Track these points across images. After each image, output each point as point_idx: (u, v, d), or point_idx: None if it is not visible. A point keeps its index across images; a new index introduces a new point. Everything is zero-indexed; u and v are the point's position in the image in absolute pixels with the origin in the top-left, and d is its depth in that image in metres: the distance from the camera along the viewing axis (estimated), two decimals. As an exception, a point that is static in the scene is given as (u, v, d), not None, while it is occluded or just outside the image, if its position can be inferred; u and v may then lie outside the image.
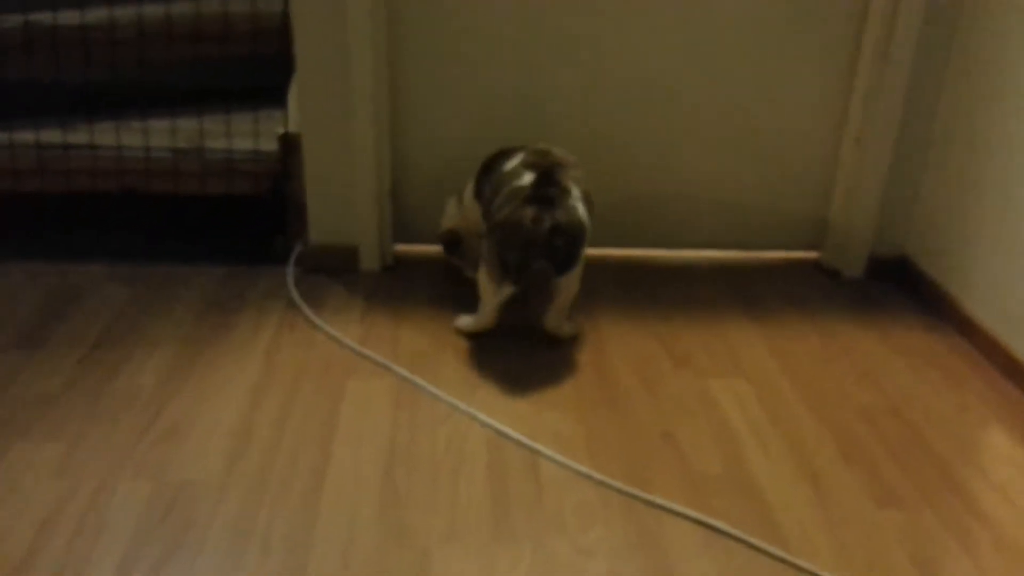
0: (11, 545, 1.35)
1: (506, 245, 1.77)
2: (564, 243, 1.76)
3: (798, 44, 2.18)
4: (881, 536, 1.46)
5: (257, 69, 2.30)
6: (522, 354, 1.90)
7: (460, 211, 2.12)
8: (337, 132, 2.12)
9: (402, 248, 2.31)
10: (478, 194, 1.99)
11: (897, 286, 2.28)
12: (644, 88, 2.21)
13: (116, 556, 1.34)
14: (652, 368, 1.89)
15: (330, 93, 2.09)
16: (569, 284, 1.86)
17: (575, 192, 1.82)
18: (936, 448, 1.68)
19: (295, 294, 2.10)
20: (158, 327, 1.95)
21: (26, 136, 2.20)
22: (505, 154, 1.95)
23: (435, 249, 2.30)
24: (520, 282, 1.77)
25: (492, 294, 1.86)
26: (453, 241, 2.16)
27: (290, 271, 2.20)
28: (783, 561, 1.39)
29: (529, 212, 1.74)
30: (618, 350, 1.94)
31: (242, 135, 2.23)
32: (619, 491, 1.53)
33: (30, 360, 1.81)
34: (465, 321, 1.97)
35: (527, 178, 1.81)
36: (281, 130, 2.17)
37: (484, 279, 1.87)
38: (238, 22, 2.28)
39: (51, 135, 2.22)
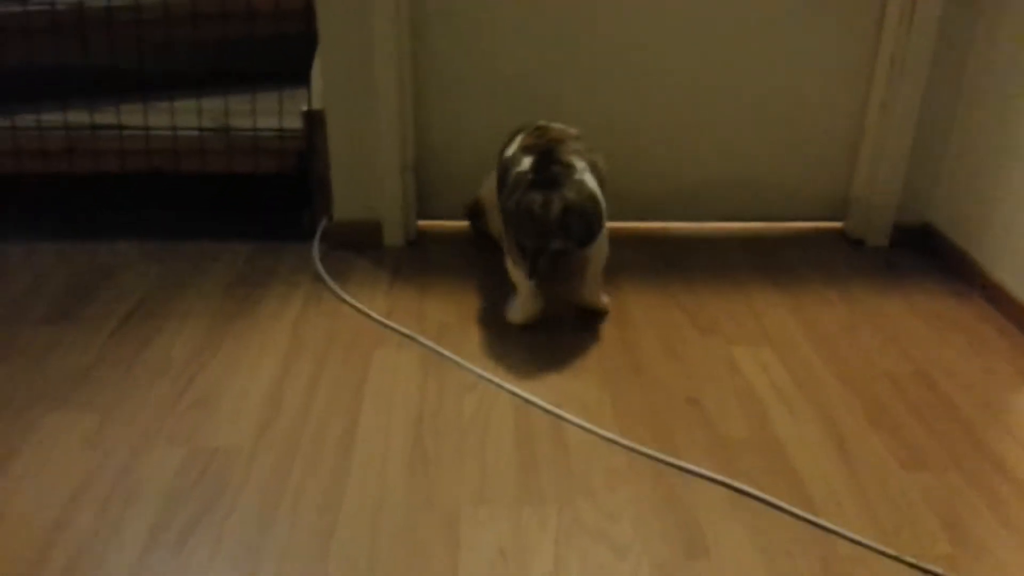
0: (45, 511, 1.38)
1: (521, 233, 1.76)
2: (577, 221, 1.73)
3: (822, 11, 2.16)
4: (909, 498, 1.45)
5: (281, 50, 2.32)
6: (547, 325, 1.91)
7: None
8: (361, 109, 2.14)
9: (425, 224, 2.33)
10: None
11: (922, 254, 2.26)
12: (666, 62, 2.20)
13: (148, 520, 1.37)
14: (677, 336, 1.89)
15: (353, 70, 2.10)
16: (597, 252, 1.83)
17: (579, 165, 1.79)
18: (962, 411, 1.67)
19: (321, 269, 2.12)
20: (188, 302, 1.98)
21: (54, 118, 2.24)
22: (512, 137, 1.95)
23: (458, 225, 2.32)
24: (538, 269, 1.75)
25: (523, 280, 1.84)
26: (476, 212, 2.17)
27: (316, 247, 2.22)
28: (811, 523, 1.39)
29: (537, 198, 1.72)
30: (643, 320, 1.95)
31: (267, 113, 2.25)
32: (645, 455, 1.54)
33: (63, 335, 1.84)
34: (513, 313, 1.92)
35: (526, 163, 1.79)
36: (305, 107, 2.19)
37: (511, 268, 1.86)
38: (262, 2, 2.30)
39: (79, 116, 2.25)
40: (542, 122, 1.96)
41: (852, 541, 1.36)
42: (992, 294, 2.03)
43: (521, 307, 1.89)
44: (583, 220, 1.75)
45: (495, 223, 2.07)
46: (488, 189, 2.10)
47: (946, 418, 1.65)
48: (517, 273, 1.84)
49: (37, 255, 2.17)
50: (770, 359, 1.82)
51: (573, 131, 1.92)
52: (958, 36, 2.12)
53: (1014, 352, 1.86)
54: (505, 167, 1.88)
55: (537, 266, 1.75)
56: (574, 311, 1.95)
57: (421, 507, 1.41)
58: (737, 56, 2.20)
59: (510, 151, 1.89)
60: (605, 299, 1.95)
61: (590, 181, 1.79)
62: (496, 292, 2.04)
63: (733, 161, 2.31)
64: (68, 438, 1.54)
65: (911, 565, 1.32)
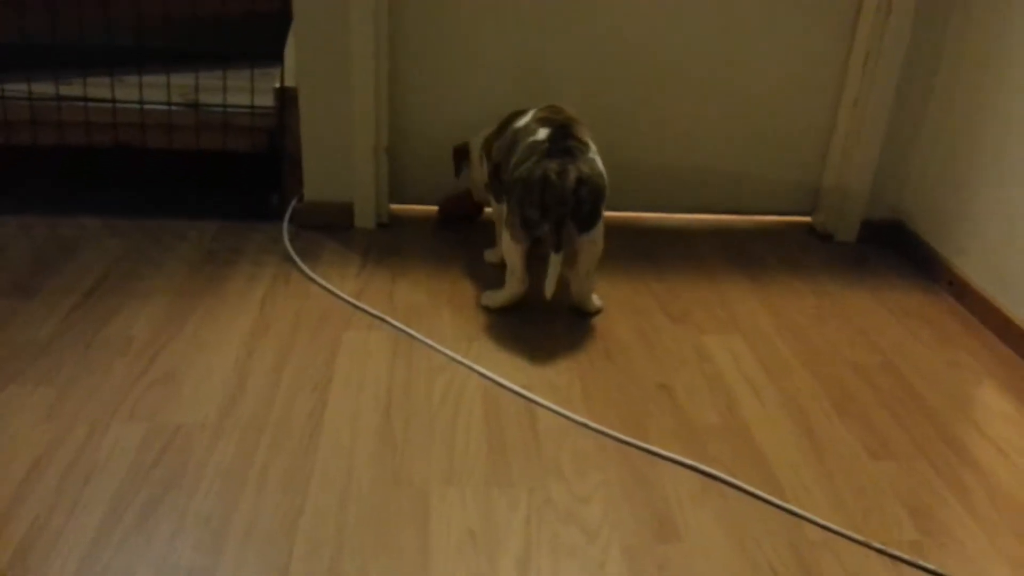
0: (1, 486, 1.34)
1: (529, 202, 1.71)
2: (588, 196, 1.71)
3: (797, 8, 2.17)
4: (876, 485, 1.46)
5: (256, 28, 2.28)
6: (518, 310, 1.89)
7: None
8: (334, 88, 2.11)
9: (398, 208, 2.30)
10: (486, 151, 1.98)
11: (891, 249, 2.29)
12: (640, 54, 2.20)
13: (107, 497, 1.33)
14: (649, 324, 1.89)
15: (328, 48, 2.07)
16: (591, 245, 1.79)
17: (592, 147, 1.79)
18: (929, 402, 1.69)
19: (290, 249, 2.09)
20: (152, 279, 1.93)
21: (18, 88, 2.18)
22: (517, 114, 1.92)
23: (431, 209, 2.30)
24: (547, 239, 1.71)
25: (518, 257, 1.80)
26: (461, 156, 2.13)
27: (285, 226, 2.18)
28: (780, 508, 1.40)
29: (553, 165, 1.70)
30: (615, 307, 1.94)
31: (238, 91, 2.21)
32: (615, 439, 1.53)
33: (22, 308, 1.79)
34: (491, 296, 1.90)
35: (542, 133, 1.77)
36: (277, 84, 2.15)
37: (507, 242, 1.80)
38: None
39: (44, 88, 2.19)
40: (554, 103, 1.92)
41: (821, 527, 1.36)
42: (958, 289, 2.05)
43: (507, 288, 1.86)
44: (593, 196, 1.72)
45: (477, 176, 2.07)
46: (482, 140, 2.04)
47: (912, 409, 1.67)
48: (514, 251, 1.80)
49: (0, 227, 2.12)
50: (740, 348, 1.82)
51: (583, 119, 1.89)
52: (931, 34, 2.14)
53: (978, 345, 1.89)
54: (514, 138, 1.84)
55: (560, 239, 1.70)
56: (570, 308, 1.91)
57: (390, 487, 1.39)
58: (710, 50, 2.21)
59: (521, 122, 1.86)
60: (597, 301, 1.92)
61: (600, 163, 1.78)
62: (467, 276, 2.02)
63: (705, 154, 2.32)
64: (25, 412, 1.50)
65: (879, 551, 1.33)
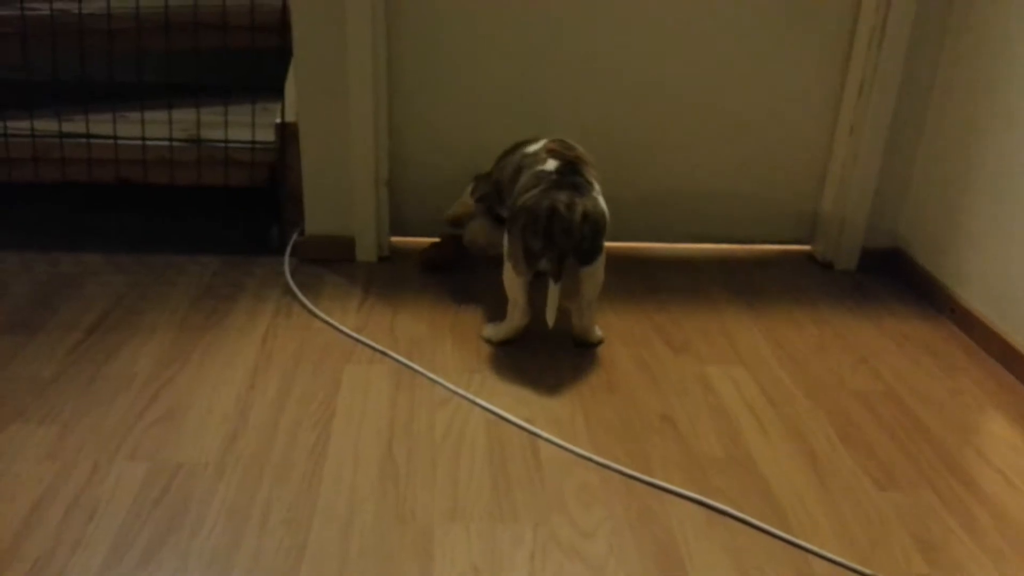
0: (2, 525, 1.33)
1: (533, 231, 1.71)
2: (590, 231, 1.72)
3: (792, 36, 2.20)
4: (882, 516, 1.46)
5: (256, 63, 2.30)
6: (520, 342, 1.89)
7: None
8: (334, 123, 2.12)
9: (398, 240, 2.31)
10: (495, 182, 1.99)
11: (891, 277, 2.30)
12: (637, 83, 2.22)
13: (110, 536, 1.32)
14: (650, 355, 1.88)
15: (327, 83, 2.09)
16: (593, 275, 1.79)
17: (597, 187, 1.80)
18: (933, 431, 1.68)
19: (292, 283, 2.09)
20: (154, 314, 1.93)
21: (21, 125, 2.20)
22: (527, 141, 1.93)
23: (432, 241, 2.31)
24: (549, 270, 1.71)
25: (520, 289, 1.80)
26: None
27: (287, 260, 2.19)
28: (786, 540, 1.39)
29: (563, 197, 1.70)
30: (616, 338, 1.94)
31: (239, 126, 2.22)
32: (619, 472, 1.52)
33: (24, 345, 1.79)
34: (493, 329, 1.90)
35: (551, 164, 1.78)
36: (278, 120, 2.17)
37: (509, 275, 1.80)
38: (237, 15, 2.28)
39: (47, 124, 2.21)
40: (565, 139, 1.93)
41: (827, 559, 1.36)
42: (961, 317, 2.06)
43: (508, 321, 1.86)
44: (594, 231, 1.73)
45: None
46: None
47: (917, 438, 1.66)
48: (516, 283, 1.79)
49: (2, 263, 2.12)
50: (742, 378, 1.82)
51: (591, 158, 1.90)
52: (925, 61, 2.16)
53: (982, 374, 1.89)
54: (521, 162, 1.85)
55: (562, 269, 1.70)
56: (573, 341, 1.91)
57: (393, 523, 1.38)
58: (705, 80, 2.23)
59: (531, 148, 1.87)
60: (598, 332, 1.92)
61: (602, 203, 1.78)
62: (469, 308, 2.02)
63: (702, 183, 2.33)
64: (28, 451, 1.49)
65: (885, 583, 1.32)
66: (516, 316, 1.85)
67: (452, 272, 2.20)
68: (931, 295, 2.17)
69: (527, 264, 1.75)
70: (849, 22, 2.18)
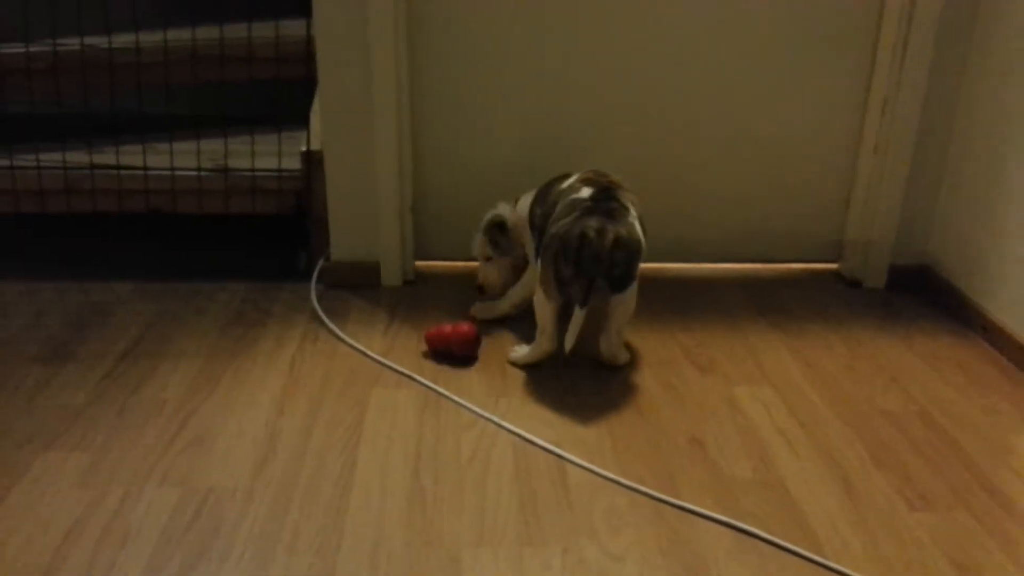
0: (36, 553, 1.35)
1: (565, 259, 1.72)
2: (623, 258, 1.72)
3: (814, 55, 2.20)
4: (916, 538, 1.43)
5: (282, 93, 2.34)
6: (545, 365, 1.89)
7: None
8: (359, 150, 2.15)
9: (422, 264, 2.33)
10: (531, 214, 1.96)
11: (920, 295, 2.27)
12: (662, 106, 2.23)
13: (142, 562, 1.33)
14: (677, 376, 1.88)
15: (352, 112, 2.12)
16: (624, 304, 1.80)
17: (633, 212, 1.80)
18: (966, 451, 1.65)
19: (318, 308, 2.11)
20: (183, 341, 1.96)
21: (53, 157, 2.24)
22: (560, 178, 1.93)
23: (456, 265, 2.32)
24: (576, 295, 1.71)
25: (550, 315, 1.81)
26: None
27: (313, 286, 2.21)
28: (818, 564, 1.37)
29: (593, 223, 1.71)
30: (642, 359, 1.94)
31: (266, 155, 2.26)
32: (648, 496, 1.51)
33: (56, 374, 1.82)
34: (520, 352, 1.90)
35: (585, 191, 1.78)
36: (303, 148, 2.20)
37: (540, 300, 1.80)
38: (262, 47, 2.32)
39: (78, 157, 2.26)
40: (599, 168, 1.91)
41: (861, 582, 1.34)
42: (993, 334, 2.03)
43: (535, 346, 1.86)
44: (628, 258, 1.73)
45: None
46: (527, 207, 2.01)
47: (950, 458, 1.63)
48: (547, 309, 1.80)
49: (34, 293, 2.16)
50: (771, 399, 1.81)
51: (628, 184, 1.89)
52: (949, 78, 2.15)
53: (1016, 392, 1.86)
54: (556, 199, 1.84)
55: (588, 296, 1.70)
56: (599, 362, 1.90)
57: (421, 548, 1.38)
58: (732, 101, 2.23)
59: (565, 184, 1.86)
60: (626, 354, 1.91)
61: (639, 228, 1.78)
62: (494, 331, 2.03)
63: (728, 203, 2.32)
64: (60, 478, 1.51)
65: (922, 607, 1.29)
66: (543, 342, 1.85)
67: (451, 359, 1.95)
68: (962, 313, 2.14)
69: (558, 290, 1.76)
70: (871, 39, 2.18)
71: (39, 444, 1.60)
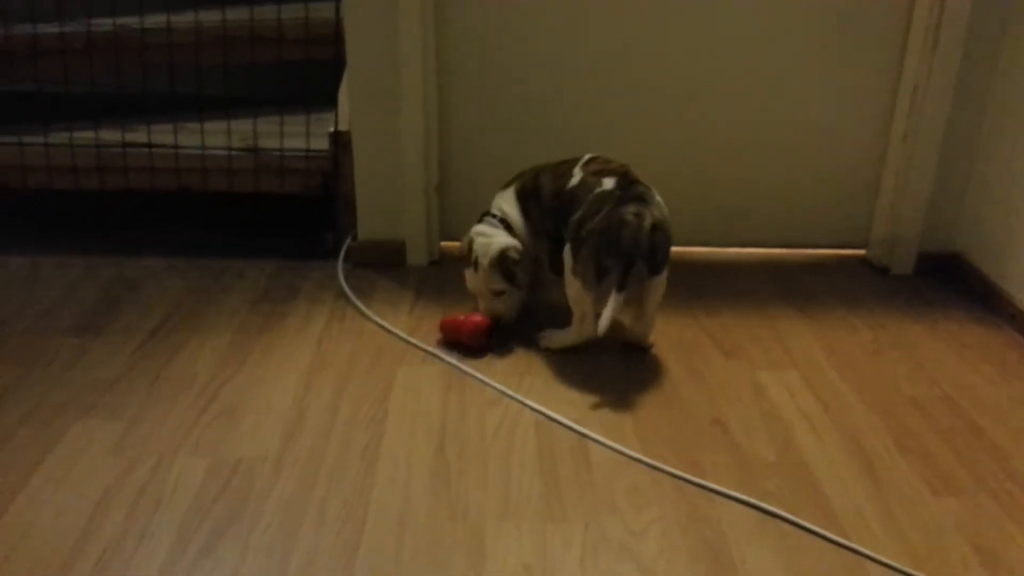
0: (70, 519, 1.38)
1: (607, 250, 1.71)
2: (661, 240, 1.73)
3: (844, 41, 2.18)
4: (939, 523, 1.43)
5: (311, 74, 2.36)
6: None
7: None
8: (386, 131, 2.17)
9: (448, 244, 2.34)
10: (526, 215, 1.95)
11: (948, 283, 2.25)
12: (689, 90, 2.22)
13: (173, 529, 1.37)
14: (701, 359, 1.88)
15: (379, 92, 2.13)
16: (659, 286, 1.81)
17: (656, 194, 1.80)
18: (991, 438, 1.65)
19: (345, 287, 2.13)
20: (213, 317, 1.99)
21: (86, 135, 2.28)
22: (551, 173, 1.91)
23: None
24: (614, 280, 1.70)
25: (590, 303, 1.79)
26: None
27: (340, 265, 2.23)
28: (840, 545, 1.37)
29: (631, 209, 1.72)
30: (666, 342, 1.94)
31: (294, 135, 2.28)
32: (670, 474, 1.52)
33: (89, 347, 1.86)
34: (555, 336, 1.88)
35: (608, 183, 1.78)
36: (331, 128, 2.22)
37: (578, 291, 1.78)
38: (292, 28, 2.34)
39: (110, 135, 2.29)
40: (590, 155, 1.92)
41: (882, 564, 1.34)
42: (1021, 323, 2.01)
43: (576, 331, 1.84)
44: (665, 241, 1.75)
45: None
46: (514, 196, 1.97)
47: (975, 445, 1.63)
48: (585, 298, 1.78)
49: (67, 268, 2.20)
50: (795, 383, 1.81)
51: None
52: (982, 64, 2.13)
53: (1043, 380, 1.85)
54: (571, 197, 1.82)
55: (627, 280, 1.70)
56: (629, 344, 1.91)
57: (445, 521, 1.40)
58: (760, 86, 2.22)
59: (572, 182, 1.84)
60: (651, 337, 1.92)
61: (666, 209, 1.79)
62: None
63: (756, 188, 2.32)
64: (94, 447, 1.55)
65: (943, 589, 1.30)
66: (585, 328, 1.82)
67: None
68: (991, 300, 2.13)
69: (598, 281, 1.75)
70: (902, 25, 2.16)
71: (72, 414, 1.64)
